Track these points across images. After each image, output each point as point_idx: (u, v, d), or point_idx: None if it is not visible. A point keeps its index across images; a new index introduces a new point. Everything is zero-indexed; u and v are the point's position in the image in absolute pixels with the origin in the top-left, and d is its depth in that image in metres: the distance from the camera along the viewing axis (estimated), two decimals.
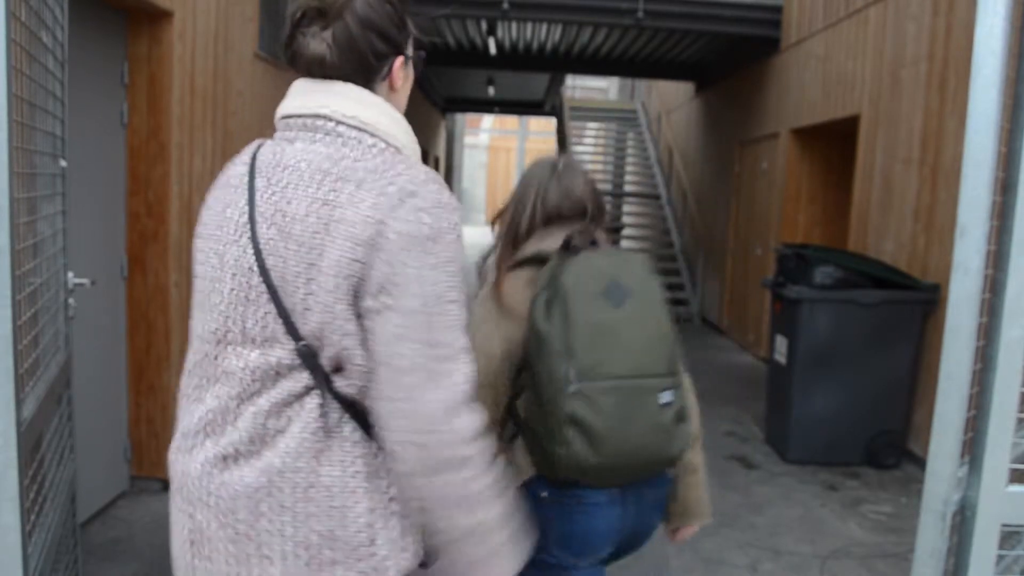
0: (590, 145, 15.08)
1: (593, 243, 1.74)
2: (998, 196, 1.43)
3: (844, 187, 6.81)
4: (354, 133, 1.18)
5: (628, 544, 1.77)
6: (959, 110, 4.52)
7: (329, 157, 1.16)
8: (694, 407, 1.79)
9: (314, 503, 1.15)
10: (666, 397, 1.59)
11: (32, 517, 1.74)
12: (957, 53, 4.59)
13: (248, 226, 1.17)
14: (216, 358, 1.19)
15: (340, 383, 1.17)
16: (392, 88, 1.26)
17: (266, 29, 4.76)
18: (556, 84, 13.81)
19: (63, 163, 2.15)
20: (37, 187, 1.90)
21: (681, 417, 1.64)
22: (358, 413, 1.18)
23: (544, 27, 8.85)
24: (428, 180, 1.16)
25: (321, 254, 1.11)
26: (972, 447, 1.47)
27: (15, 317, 1.53)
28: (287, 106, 1.23)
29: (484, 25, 8.56)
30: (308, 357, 1.14)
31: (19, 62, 1.66)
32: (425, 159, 14.12)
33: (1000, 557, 1.47)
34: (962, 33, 4.55)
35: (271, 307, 1.15)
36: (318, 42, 1.19)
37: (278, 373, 1.16)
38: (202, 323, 1.22)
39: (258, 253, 1.15)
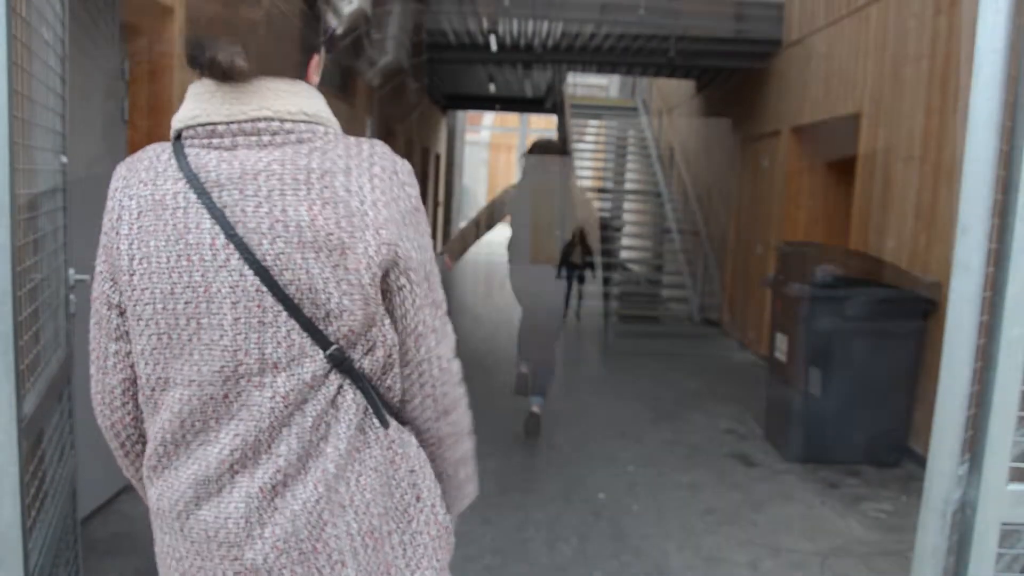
0: (591, 142, 15.05)
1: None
2: (999, 194, 1.43)
3: (845, 185, 6.81)
4: (304, 127, 1.12)
5: (538, 296, 4.89)
6: (961, 108, 4.52)
7: (295, 154, 1.10)
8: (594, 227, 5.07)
9: (368, 490, 1.16)
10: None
11: (33, 513, 1.74)
12: (959, 51, 4.58)
13: (233, 247, 1.08)
14: (227, 397, 1.11)
15: (366, 363, 1.16)
16: (309, 83, 1.21)
17: None
18: (557, 81, 13.78)
19: (64, 159, 2.15)
20: (38, 183, 1.90)
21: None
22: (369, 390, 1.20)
23: (545, 24, 8.83)
24: (388, 151, 1.17)
25: (343, 253, 1.08)
26: (973, 445, 1.47)
27: (16, 313, 1.53)
28: (211, 112, 1.11)
29: (485, 22, 8.54)
30: (341, 360, 1.12)
31: (20, 58, 1.65)
32: (426, 156, 14.15)
33: (1000, 555, 1.47)
34: (964, 31, 4.54)
35: (292, 323, 1.09)
36: (227, 55, 1.08)
37: (312, 387, 1.12)
38: (192, 366, 1.11)
39: (264, 272, 1.07)
